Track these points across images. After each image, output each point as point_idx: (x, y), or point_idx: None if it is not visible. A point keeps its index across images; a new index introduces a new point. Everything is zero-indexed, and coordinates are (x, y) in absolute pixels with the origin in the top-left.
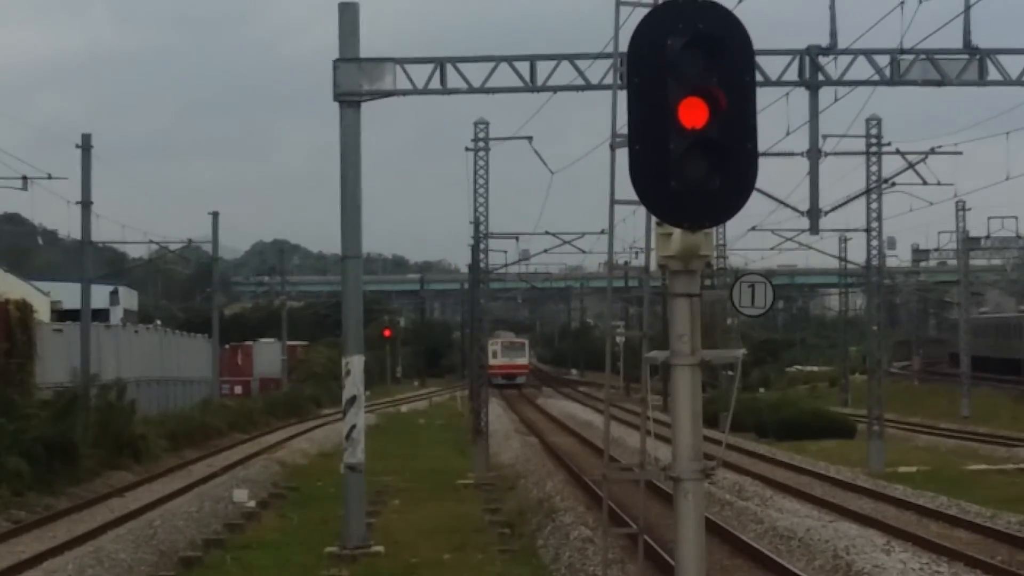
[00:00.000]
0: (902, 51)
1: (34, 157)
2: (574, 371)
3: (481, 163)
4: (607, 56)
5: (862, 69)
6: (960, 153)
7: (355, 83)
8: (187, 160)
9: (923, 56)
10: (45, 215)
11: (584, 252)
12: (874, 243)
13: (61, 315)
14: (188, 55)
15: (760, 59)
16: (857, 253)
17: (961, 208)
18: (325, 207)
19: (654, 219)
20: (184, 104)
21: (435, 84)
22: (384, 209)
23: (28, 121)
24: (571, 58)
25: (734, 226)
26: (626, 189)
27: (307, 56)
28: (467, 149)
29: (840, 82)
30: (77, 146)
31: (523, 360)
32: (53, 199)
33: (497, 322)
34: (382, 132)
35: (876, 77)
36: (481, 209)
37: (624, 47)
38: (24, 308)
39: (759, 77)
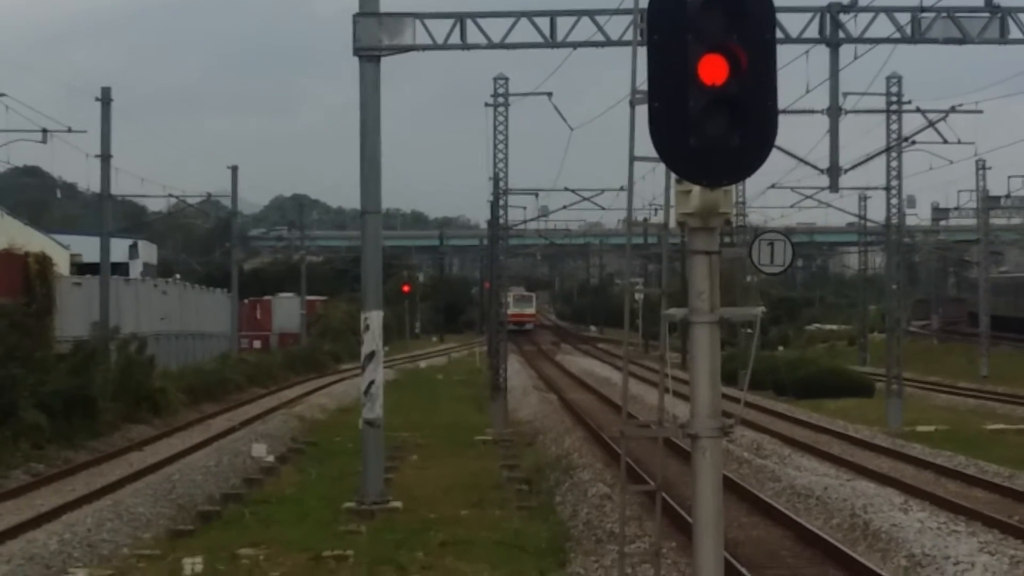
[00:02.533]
0: (923, 9)
1: (63, 110)
2: (593, 328)
3: (501, 119)
4: (627, 12)
5: (883, 27)
6: (980, 112)
7: (375, 38)
8: (213, 115)
9: (944, 14)
10: (65, 168)
11: (603, 209)
12: (894, 201)
13: (80, 268)
14: (219, 9)
15: (780, 16)
16: (877, 211)
17: (981, 167)
18: (346, 163)
19: (673, 176)
20: (213, 59)
21: (455, 39)
22: (404, 164)
23: (58, 74)
24: (591, 14)
25: (753, 183)
26: (646, 146)
27: (337, 12)
28: (487, 105)
29: (861, 40)
30: (97, 99)
31: (531, 310)
32: (73, 152)
33: (511, 278)
34: (403, 88)
35: (897, 35)
36: (501, 165)
37: (644, 3)
38: (43, 261)
39: (779, 34)
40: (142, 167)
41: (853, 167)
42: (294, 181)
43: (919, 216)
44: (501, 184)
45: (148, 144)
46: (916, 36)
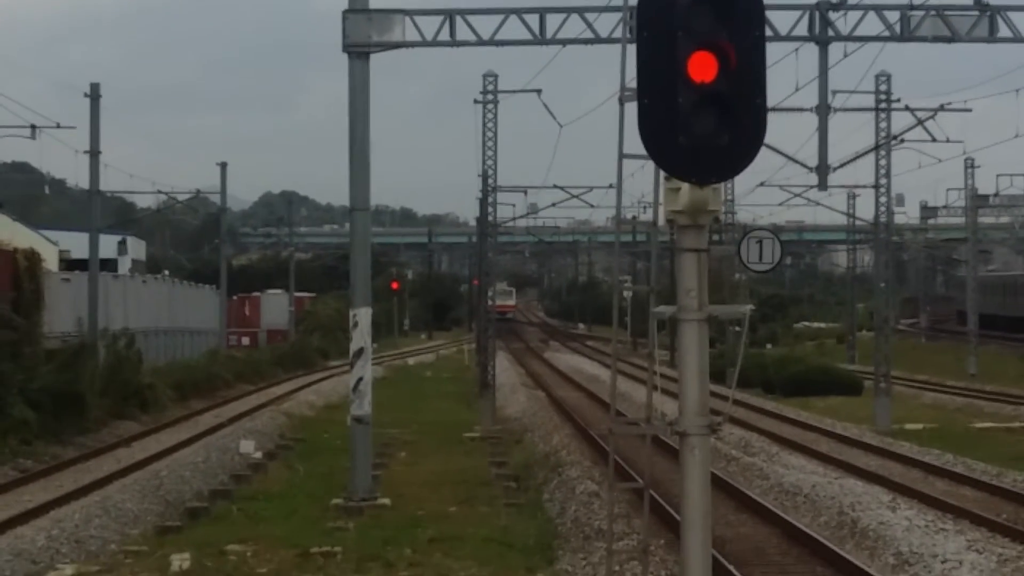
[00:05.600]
0: (912, 7)
1: (57, 107)
2: (581, 325)
3: (490, 116)
4: (617, 9)
5: (872, 25)
6: (970, 110)
7: (364, 34)
8: (204, 112)
9: (933, 12)
10: (54, 164)
11: (592, 206)
12: (882, 200)
13: (69, 264)
14: (216, 8)
15: (770, 14)
16: (865, 209)
17: (970, 165)
18: (335, 160)
19: (662, 174)
20: (206, 57)
21: (444, 36)
22: (393, 161)
23: (54, 72)
24: (581, 11)
25: (742, 181)
26: (635, 143)
27: (331, 9)
28: (476, 102)
29: (850, 38)
30: (85, 95)
31: (511, 302)
32: (62, 148)
33: (499, 275)
34: (394, 85)
35: (886, 33)
36: (490, 162)
37: (634, 0)
38: (32, 257)
39: (768, 32)
40: (132, 164)
41: (842, 165)
42: (283, 178)
43: (908, 214)
44: (490, 181)
45: (139, 141)
46: (905, 34)
